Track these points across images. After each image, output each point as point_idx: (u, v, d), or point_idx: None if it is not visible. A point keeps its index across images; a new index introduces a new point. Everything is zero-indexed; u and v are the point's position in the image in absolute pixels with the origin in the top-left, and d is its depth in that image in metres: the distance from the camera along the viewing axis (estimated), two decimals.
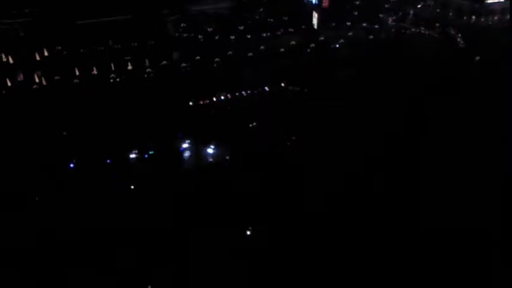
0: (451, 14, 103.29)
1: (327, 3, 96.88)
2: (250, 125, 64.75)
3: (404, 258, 42.17)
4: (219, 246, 43.33)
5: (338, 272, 41.22)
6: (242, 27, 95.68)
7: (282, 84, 75.50)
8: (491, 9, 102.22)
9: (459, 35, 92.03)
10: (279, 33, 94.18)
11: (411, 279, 40.28)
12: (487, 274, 39.45)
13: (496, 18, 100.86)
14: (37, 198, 50.84)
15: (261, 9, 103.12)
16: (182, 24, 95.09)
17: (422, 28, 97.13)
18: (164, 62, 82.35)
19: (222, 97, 72.47)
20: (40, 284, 41.11)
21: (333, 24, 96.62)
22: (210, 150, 59.10)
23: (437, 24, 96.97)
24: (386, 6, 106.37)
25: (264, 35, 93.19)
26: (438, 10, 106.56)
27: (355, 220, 46.89)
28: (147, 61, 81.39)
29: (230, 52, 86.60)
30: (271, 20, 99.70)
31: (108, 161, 57.49)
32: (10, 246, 43.73)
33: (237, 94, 73.18)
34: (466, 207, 46.44)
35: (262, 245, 43.85)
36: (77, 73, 77.55)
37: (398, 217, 47.05)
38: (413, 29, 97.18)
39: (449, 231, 43.85)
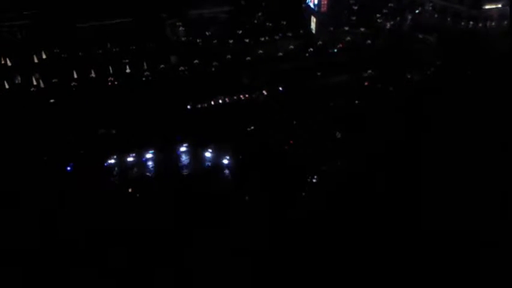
0: (448, 19, 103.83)
1: (325, 8, 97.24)
2: (248, 129, 64.72)
3: (404, 258, 42.10)
4: (219, 247, 43.26)
5: (338, 272, 41.13)
6: (240, 32, 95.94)
7: (280, 89, 75.68)
8: (488, 15, 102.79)
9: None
10: (277, 37, 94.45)
11: (412, 279, 40.21)
12: (486, 274, 39.42)
13: (493, 23, 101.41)
14: (35, 200, 50.54)
15: (260, 14, 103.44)
16: (181, 28, 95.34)
17: (420, 34, 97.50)
18: (162, 66, 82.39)
19: (220, 100, 72.44)
20: (40, 285, 40.93)
21: (331, 29, 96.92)
22: (208, 153, 59.07)
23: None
24: (384, 11, 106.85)
25: (262, 39, 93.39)
26: (436, 16, 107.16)
27: (355, 220, 46.87)
28: (145, 64, 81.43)
29: (228, 56, 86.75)
30: (270, 24, 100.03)
31: (106, 163, 57.44)
32: (10, 246, 43.47)
33: (235, 98, 73.15)
34: (467, 207, 46.43)
35: (262, 245, 43.73)
36: (75, 76, 77.50)
37: (399, 217, 47.01)
38: (410, 34, 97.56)
39: (450, 231, 43.78)
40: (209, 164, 58.11)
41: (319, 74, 79.89)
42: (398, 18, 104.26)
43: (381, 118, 64.91)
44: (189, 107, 70.43)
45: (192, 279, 40.66)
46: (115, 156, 58.19)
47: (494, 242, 42.14)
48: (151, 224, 46.49)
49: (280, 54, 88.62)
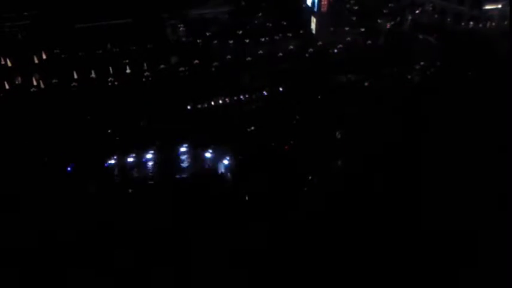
0: (449, 20, 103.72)
1: (325, 9, 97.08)
2: (249, 129, 64.75)
3: (404, 258, 42.12)
4: (219, 247, 43.28)
5: (338, 273, 41.17)
6: (241, 32, 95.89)
7: (280, 89, 75.71)
8: (489, 15, 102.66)
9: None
10: (278, 38, 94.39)
11: (411, 279, 40.24)
12: (486, 274, 39.45)
13: (493, 24, 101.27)
14: (35, 200, 50.53)
15: (260, 14, 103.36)
16: (181, 29, 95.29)
17: (420, 34, 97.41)
18: (163, 66, 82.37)
19: (220, 101, 72.46)
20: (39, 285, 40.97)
21: (331, 29, 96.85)
22: (208, 154, 59.12)
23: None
24: (384, 11, 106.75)
25: (263, 39, 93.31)
26: (436, 16, 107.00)
27: (355, 220, 46.92)
28: (145, 65, 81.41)
29: (228, 56, 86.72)
30: (270, 24, 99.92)
31: (106, 164, 57.50)
32: (9, 246, 43.49)
33: (235, 98, 73.17)
34: (466, 207, 46.45)
35: (262, 245, 43.74)
36: (75, 76, 77.52)
37: (398, 217, 47.06)
38: (410, 35, 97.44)
39: (449, 231, 43.82)
40: (209, 164, 58.13)
41: (319, 74, 79.84)
42: (398, 19, 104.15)
43: (381, 119, 64.90)
44: (189, 107, 70.48)
45: (191, 280, 40.71)
46: (115, 157, 58.25)
47: (494, 242, 42.16)
48: (151, 224, 46.54)
49: (280, 54, 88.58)
